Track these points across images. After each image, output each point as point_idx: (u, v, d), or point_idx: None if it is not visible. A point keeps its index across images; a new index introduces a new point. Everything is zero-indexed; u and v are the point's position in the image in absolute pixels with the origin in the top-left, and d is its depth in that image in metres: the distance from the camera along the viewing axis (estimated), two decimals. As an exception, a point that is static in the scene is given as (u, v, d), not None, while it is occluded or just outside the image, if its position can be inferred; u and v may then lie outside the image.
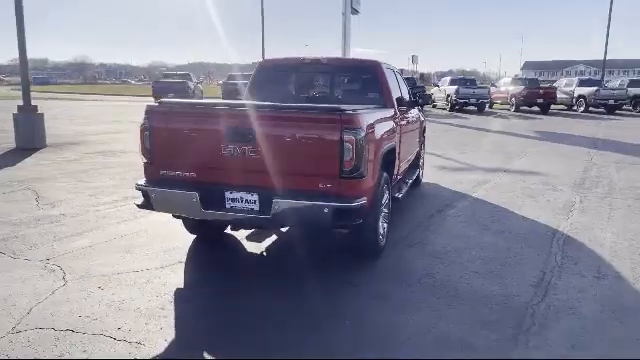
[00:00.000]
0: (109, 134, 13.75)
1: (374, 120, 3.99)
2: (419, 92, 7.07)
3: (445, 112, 25.36)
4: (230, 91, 25.22)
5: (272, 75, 5.64)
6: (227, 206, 3.82)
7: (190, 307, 3.49)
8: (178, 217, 4.47)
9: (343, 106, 3.66)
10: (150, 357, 2.82)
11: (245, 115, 3.72)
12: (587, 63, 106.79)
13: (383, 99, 5.11)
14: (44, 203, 6.13)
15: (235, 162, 3.73)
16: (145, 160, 4.05)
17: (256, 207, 3.76)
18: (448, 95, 25.96)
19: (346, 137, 3.48)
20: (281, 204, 3.56)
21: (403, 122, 5.35)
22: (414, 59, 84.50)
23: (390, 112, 4.86)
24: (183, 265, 4.22)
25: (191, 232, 4.81)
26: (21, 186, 7.02)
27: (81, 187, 7.06)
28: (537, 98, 25.47)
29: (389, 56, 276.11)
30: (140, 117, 4.10)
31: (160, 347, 2.93)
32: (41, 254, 4.39)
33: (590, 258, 4.48)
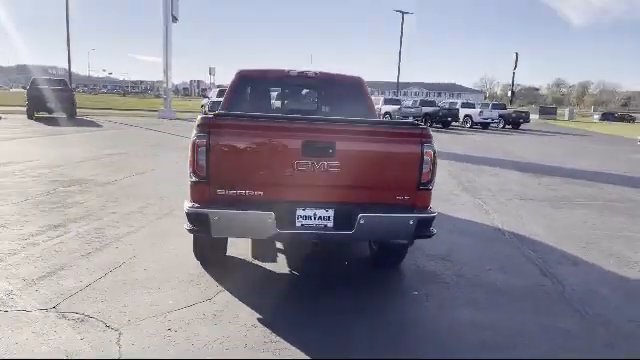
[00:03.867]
0: None
1: None
2: None
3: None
4: (37, 97, 21.81)
5: (253, 86, 5.38)
6: (297, 224, 3.63)
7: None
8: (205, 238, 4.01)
9: (410, 121, 3.83)
10: None
11: (325, 129, 3.61)
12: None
13: (371, 113, 5.35)
14: None
15: (310, 177, 3.57)
16: (195, 179, 3.55)
17: (330, 223, 3.66)
18: None
19: (426, 150, 3.66)
20: (367, 218, 3.55)
21: None
22: (211, 70, 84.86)
23: None
24: (235, 301, 3.81)
25: (198, 258, 4.34)
26: None
27: None
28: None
29: (184, 66, 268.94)
30: None
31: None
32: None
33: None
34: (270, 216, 3.47)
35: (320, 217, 3.64)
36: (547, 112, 54.86)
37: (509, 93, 55.37)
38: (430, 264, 4.74)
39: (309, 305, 3.71)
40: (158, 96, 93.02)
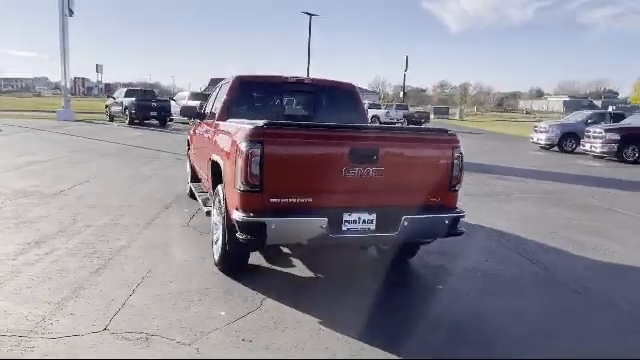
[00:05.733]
0: None
1: None
2: None
3: (123, 125, 23.46)
4: None
5: (251, 92, 5.36)
6: (344, 228, 3.76)
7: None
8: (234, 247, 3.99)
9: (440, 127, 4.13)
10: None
11: (370, 137, 3.78)
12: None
13: (363, 118, 5.58)
14: None
15: (355, 183, 3.72)
16: (247, 188, 3.53)
17: (372, 226, 3.83)
18: (126, 107, 24.21)
19: (456, 154, 3.98)
20: (410, 220, 3.78)
21: None
22: (99, 68, 79.62)
23: None
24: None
25: (223, 268, 4.31)
26: None
27: None
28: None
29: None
30: None
31: None
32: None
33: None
34: (324, 222, 3.58)
35: (364, 221, 3.80)
36: (441, 112, 59.28)
37: (401, 94, 58.63)
38: (433, 259, 5.08)
39: (357, 305, 3.83)
40: (39, 95, 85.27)
